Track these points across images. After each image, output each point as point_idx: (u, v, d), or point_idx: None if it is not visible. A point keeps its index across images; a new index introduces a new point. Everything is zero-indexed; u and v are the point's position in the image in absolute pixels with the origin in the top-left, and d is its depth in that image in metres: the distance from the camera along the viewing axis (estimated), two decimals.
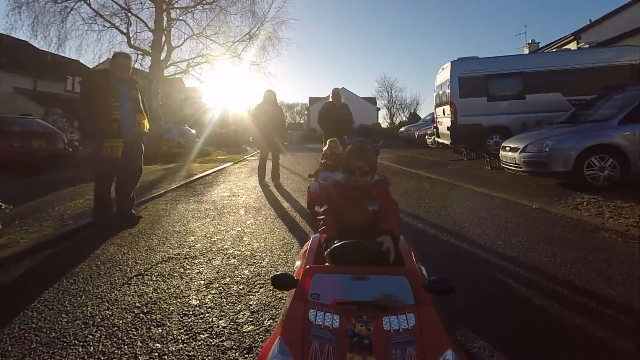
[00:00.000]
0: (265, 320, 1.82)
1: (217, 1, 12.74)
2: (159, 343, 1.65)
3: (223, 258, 2.76)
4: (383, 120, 42.16)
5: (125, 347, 1.63)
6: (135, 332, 1.74)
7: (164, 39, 12.43)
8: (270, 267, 2.57)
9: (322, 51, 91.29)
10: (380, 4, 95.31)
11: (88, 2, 12.09)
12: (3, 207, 4.06)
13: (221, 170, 9.01)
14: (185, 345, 1.63)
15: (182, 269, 2.54)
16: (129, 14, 12.62)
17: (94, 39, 13.11)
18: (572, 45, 15.90)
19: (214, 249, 2.97)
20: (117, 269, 2.57)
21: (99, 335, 1.72)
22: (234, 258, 2.75)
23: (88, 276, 2.44)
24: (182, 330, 1.75)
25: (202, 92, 30.15)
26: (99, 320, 1.85)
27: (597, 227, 3.24)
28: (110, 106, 3.45)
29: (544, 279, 2.25)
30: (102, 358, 1.55)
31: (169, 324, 1.81)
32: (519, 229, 3.31)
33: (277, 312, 1.89)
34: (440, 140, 10.06)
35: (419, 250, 1.77)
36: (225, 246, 3.05)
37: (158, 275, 2.44)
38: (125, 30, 12.73)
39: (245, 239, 3.24)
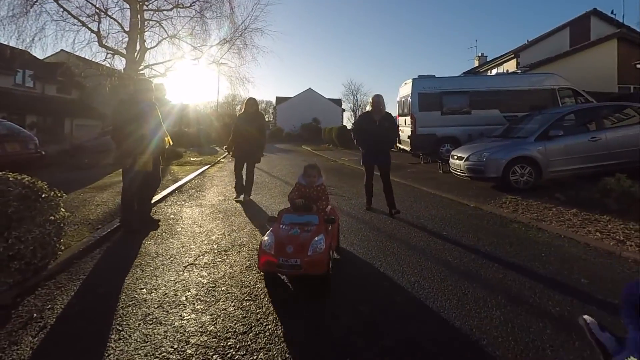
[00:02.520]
0: (289, 282, 2.79)
1: (193, 5, 13.10)
2: (224, 307, 2.55)
3: (248, 250, 3.67)
4: (348, 121, 43.76)
5: (200, 311, 2.52)
6: (206, 301, 2.63)
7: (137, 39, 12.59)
8: None
9: (291, 51, 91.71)
10: (350, 11, 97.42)
11: None
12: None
13: (202, 173, 9.62)
14: (250, 303, 2.56)
15: (221, 259, 3.42)
16: (101, 14, 12.59)
17: (59, 36, 12.73)
18: (512, 63, 18.22)
19: (237, 244, 3.85)
20: (169, 261, 3.38)
21: (181, 305, 2.59)
22: (256, 250, 3.67)
23: (149, 267, 3.23)
24: (245, 297, 2.67)
25: (166, 89, 29.61)
26: (175, 295, 2.71)
27: (511, 220, 4.59)
28: (140, 127, 4.15)
29: (469, 254, 3.44)
30: (192, 319, 2.43)
31: (233, 293, 2.72)
32: (458, 223, 4.55)
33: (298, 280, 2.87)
34: (401, 146, 11.46)
35: (390, 237, 2.83)
36: (245, 241, 3.94)
37: (205, 264, 3.30)
38: (95, 29, 12.68)
39: (258, 235, 4.15)
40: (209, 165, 11.20)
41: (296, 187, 3.48)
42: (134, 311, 2.44)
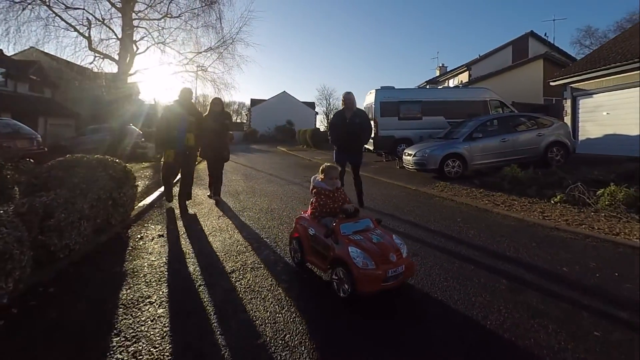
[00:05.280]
0: None
1: (182, 15, 14.26)
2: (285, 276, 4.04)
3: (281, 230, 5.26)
4: (320, 123, 45.65)
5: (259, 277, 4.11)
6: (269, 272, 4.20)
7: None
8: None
9: (267, 56, 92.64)
10: (324, 19, 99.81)
11: (47, 2, 12.63)
12: None
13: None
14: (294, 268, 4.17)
15: (272, 243, 4.98)
16: (92, 20, 13.41)
17: (49, 39, 13.31)
18: (465, 74, 20.86)
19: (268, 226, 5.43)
20: (222, 235, 4.90)
21: (243, 270, 4.16)
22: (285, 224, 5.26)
23: (209, 240, 4.73)
24: (289, 272, 4.27)
25: (139, 89, 29.90)
26: (234, 268, 4.26)
27: (437, 196, 6.50)
28: (171, 127, 5.27)
29: (405, 215, 5.24)
30: (242, 282, 4.02)
31: (287, 271, 4.31)
32: (407, 202, 6.35)
33: None
34: (366, 146, 13.36)
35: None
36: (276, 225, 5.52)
37: (258, 246, 4.85)
38: (86, 34, 13.50)
39: (275, 209, 5.72)
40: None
41: (322, 194, 3.10)
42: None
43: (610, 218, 4.64)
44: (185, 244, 3.93)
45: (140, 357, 2.01)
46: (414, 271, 2.69)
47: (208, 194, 6.41)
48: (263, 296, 2.73)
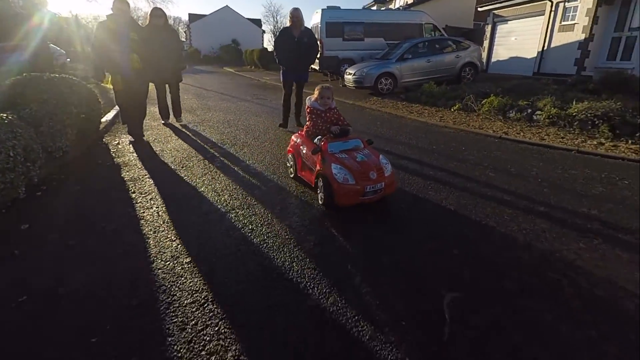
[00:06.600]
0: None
1: None
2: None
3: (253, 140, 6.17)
4: (268, 43, 43.15)
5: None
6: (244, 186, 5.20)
7: None
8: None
9: None
10: None
11: None
12: None
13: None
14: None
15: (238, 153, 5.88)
16: None
17: None
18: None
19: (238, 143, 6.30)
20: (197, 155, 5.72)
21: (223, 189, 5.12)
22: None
23: (179, 142, 5.54)
24: (249, 155, 5.30)
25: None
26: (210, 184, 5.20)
27: (368, 108, 7.85)
28: (110, 49, 4.52)
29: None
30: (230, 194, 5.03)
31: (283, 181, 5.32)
32: (350, 115, 7.51)
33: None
34: (313, 66, 13.98)
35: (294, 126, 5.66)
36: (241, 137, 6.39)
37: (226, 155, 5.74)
38: None
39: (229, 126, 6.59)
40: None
41: (314, 113, 3.25)
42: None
43: (485, 119, 6.38)
44: (161, 146, 4.83)
45: (154, 202, 3.19)
46: (394, 188, 2.92)
47: (162, 121, 6.12)
48: (227, 171, 3.95)
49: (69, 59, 15.29)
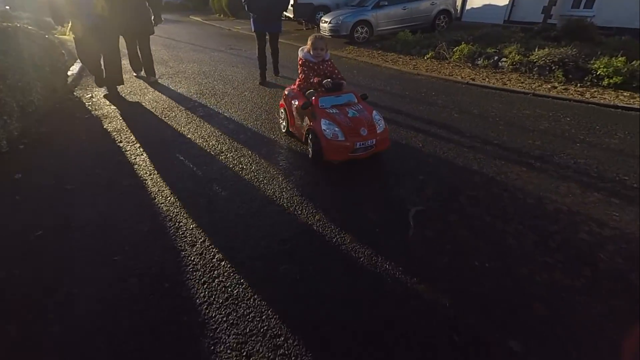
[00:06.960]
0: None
1: None
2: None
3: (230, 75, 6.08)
4: None
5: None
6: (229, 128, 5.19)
7: None
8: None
9: None
10: None
11: None
12: None
13: None
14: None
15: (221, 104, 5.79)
16: None
17: None
18: None
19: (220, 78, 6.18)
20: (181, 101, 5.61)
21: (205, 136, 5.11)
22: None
23: (156, 93, 5.44)
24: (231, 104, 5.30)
25: None
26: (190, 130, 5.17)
27: (344, 57, 7.88)
28: None
29: None
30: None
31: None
32: None
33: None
34: (286, 14, 13.37)
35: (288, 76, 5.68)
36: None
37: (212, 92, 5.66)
38: None
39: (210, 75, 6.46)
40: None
41: (306, 65, 3.12)
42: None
43: (455, 67, 6.66)
44: (138, 98, 4.81)
45: (143, 150, 3.36)
46: (387, 144, 2.83)
47: (134, 74, 5.91)
48: (214, 116, 4.10)
49: (8, 7, 13.72)
